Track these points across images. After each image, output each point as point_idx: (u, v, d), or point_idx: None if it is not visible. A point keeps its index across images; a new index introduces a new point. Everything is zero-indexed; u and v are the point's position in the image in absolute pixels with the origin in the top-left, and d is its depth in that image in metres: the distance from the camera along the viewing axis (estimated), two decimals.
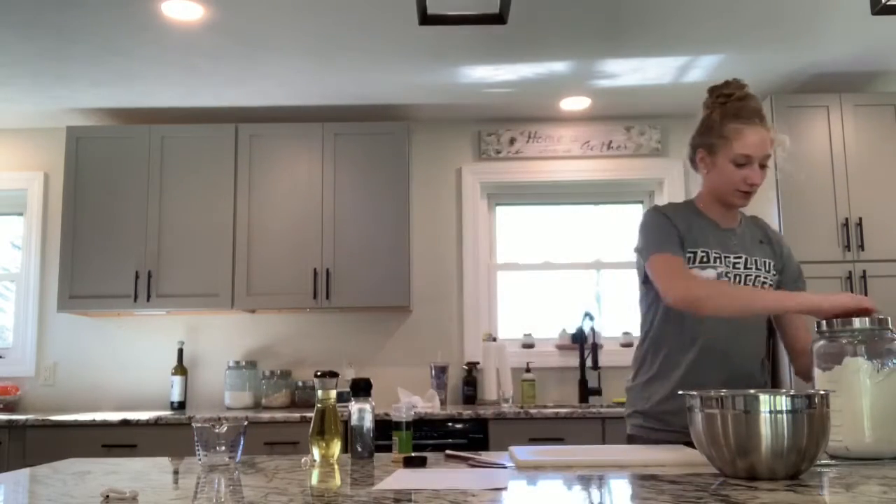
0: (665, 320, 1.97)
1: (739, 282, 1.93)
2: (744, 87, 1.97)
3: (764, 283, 1.95)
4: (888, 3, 1.78)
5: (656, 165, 4.42)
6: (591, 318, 4.23)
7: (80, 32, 3.27)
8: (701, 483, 1.27)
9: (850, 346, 1.54)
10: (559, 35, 3.37)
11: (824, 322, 1.60)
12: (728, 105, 1.94)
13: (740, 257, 1.95)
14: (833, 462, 1.48)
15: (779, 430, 1.22)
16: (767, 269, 1.97)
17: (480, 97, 4.11)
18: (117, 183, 4.11)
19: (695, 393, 1.33)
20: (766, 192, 3.87)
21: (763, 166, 1.91)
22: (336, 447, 1.68)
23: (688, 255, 1.91)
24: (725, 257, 1.93)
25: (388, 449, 1.80)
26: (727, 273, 1.92)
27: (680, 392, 1.68)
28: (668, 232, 1.93)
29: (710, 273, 1.90)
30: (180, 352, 4.22)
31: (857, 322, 1.56)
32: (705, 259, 1.91)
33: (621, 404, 4.03)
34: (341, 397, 3.52)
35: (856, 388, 1.51)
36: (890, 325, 1.55)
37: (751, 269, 1.94)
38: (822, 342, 1.59)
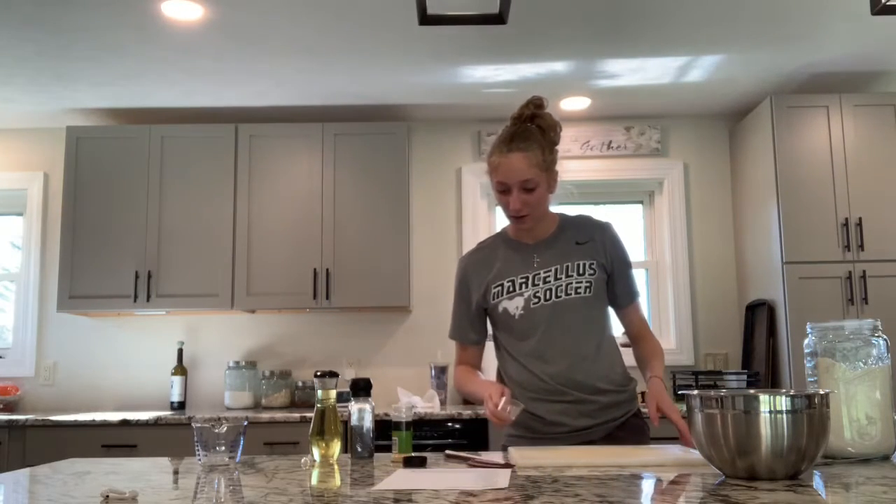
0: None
1: (551, 295, 2.00)
2: (520, 108, 2.08)
3: (579, 286, 2.01)
4: (888, 3, 1.77)
5: (656, 165, 4.42)
6: None
7: (80, 32, 3.27)
8: (701, 483, 1.27)
9: (829, 347, 1.56)
10: (559, 35, 3.37)
11: (817, 325, 1.62)
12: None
13: (550, 270, 2.02)
14: (832, 462, 1.49)
15: (778, 430, 1.22)
16: (582, 271, 2.02)
17: (480, 97, 4.11)
18: (117, 183, 4.11)
19: (695, 392, 1.33)
20: (766, 193, 3.88)
21: (529, 190, 2.00)
22: (336, 447, 1.68)
23: (495, 289, 2.05)
24: (535, 275, 2.02)
25: (388, 449, 1.80)
26: (536, 293, 2.01)
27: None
28: (458, 310, 2.13)
29: (518, 301, 2.02)
30: (180, 352, 4.22)
31: (847, 323, 1.56)
32: (511, 289, 2.03)
33: None
34: (341, 397, 3.52)
35: (830, 388, 1.53)
36: (880, 328, 1.56)
37: (561, 278, 2.01)
38: (808, 341, 1.61)
